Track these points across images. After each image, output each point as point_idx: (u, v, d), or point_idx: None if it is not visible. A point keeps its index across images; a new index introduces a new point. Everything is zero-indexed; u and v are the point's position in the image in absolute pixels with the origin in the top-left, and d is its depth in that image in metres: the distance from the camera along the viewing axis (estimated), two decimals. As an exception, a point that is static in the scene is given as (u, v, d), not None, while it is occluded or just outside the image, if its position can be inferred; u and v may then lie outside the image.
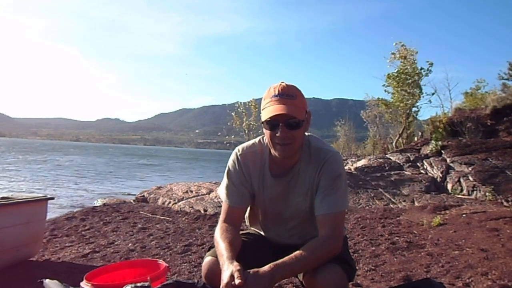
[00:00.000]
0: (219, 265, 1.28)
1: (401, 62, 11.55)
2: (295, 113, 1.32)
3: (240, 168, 1.49)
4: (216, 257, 1.35)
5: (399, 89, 11.47)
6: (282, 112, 1.30)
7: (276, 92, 1.35)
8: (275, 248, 1.55)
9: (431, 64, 11.32)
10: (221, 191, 1.54)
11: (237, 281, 1.13)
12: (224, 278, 1.18)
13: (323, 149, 1.45)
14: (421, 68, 11.32)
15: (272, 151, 1.42)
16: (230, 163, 1.52)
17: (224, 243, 1.34)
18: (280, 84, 1.37)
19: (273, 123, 1.34)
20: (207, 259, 1.42)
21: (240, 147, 1.54)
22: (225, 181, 1.53)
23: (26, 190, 9.46)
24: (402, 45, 11.65)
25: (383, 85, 12.07)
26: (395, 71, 11.52)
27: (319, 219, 1.39)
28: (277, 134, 1.34)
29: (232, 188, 1.50)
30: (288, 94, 1.34)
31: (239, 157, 1.51)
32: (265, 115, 1.35)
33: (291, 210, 1.50)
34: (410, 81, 11.18)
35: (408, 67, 11.22)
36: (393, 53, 11.85)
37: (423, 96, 11.49)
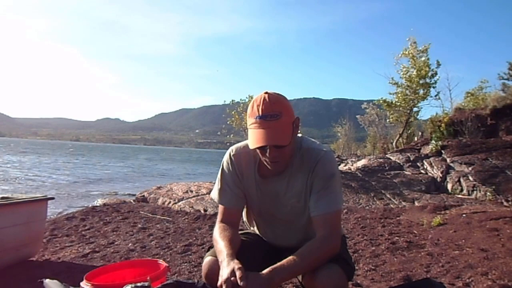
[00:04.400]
0: (219, 265, 1.26)
1: (409, 60, 11.48)
2: (280, 140, 1.28)
3: (233, 168, 1.47)
4: (216, 256, 1.33)
5: (404, 86, 11.41)
6: (266, 143, 1.27)
7: (260, 113, 1.28)
8: (273, 248, 1.55)
9: (439, 64, 11.29)
10: (215, 193, 1.51)
11: (239, 280, 1.12)
12: (224, 274, 1.17)
13: (315, 149, 1.42)
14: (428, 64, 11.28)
15: (264, 163, 1.39)
16: (223, 163, 1.50)
17: (224, 241, 1.33)
18: (263, 100, 1.28)
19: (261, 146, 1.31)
20: (207, 259, 1.41)
21: (233, 147, 1.51)
22: (219, 182, 1.50)
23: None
24: (414, 42, 11.52)
25: (389, 82, 12.06)
26: (409, 64, 11.40)
27: (315, 220, 1.37)
28: (266, 154, 1.32)
29: (226, 189, 1.47)
30: (272, 115, 1.27)
31: (232, 157, 1.48)
32: (251, 142, 1.31)
33: (285, 211, 1.48)
34: (421, 80, 11.10)
35: (422, 65, 11.12)
36: (405, 49, 11.68)
37: (427, 99, 11.48)
